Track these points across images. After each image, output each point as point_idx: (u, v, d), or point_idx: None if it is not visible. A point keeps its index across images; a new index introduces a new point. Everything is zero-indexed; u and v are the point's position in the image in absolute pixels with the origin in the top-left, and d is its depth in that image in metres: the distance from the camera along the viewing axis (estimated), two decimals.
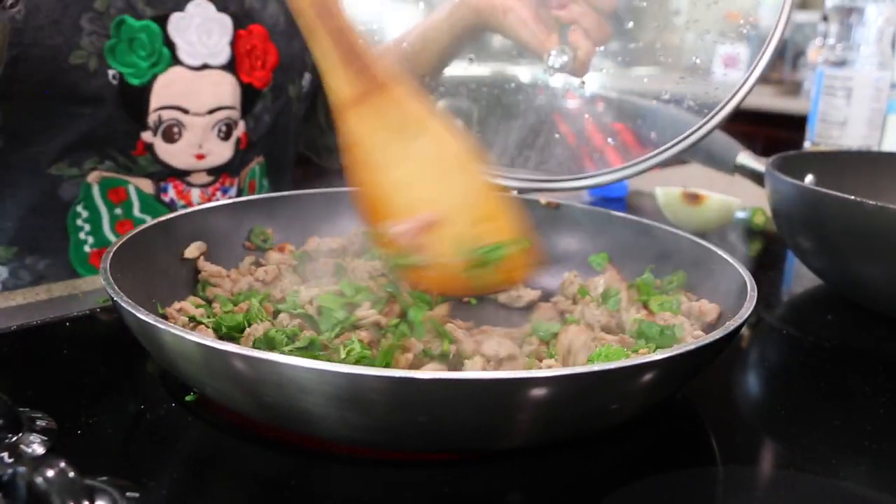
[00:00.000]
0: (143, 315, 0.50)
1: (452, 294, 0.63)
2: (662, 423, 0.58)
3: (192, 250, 0.72)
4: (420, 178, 0.61)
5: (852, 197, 0.74)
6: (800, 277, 0.95)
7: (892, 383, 0.66)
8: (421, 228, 0.58)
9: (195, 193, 1.01)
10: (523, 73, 0.90)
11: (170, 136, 0.96)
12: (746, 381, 0.69)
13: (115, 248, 0.62)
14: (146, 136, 0.95)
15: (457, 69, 0.93)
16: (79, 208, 0.96)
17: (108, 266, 0.57)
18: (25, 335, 0.67)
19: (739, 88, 0.74)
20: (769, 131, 2.94)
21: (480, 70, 0.93)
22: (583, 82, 0.85)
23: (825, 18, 2.78)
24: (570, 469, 0.52)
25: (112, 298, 0.53)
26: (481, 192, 0.62)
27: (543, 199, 0.83)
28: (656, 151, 0.78)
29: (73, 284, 0.82)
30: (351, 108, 0.60)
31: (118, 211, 0.97)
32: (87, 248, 0.97)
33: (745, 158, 1.09)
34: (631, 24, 0.84)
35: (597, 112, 0.86)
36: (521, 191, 0.85)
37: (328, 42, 0.59)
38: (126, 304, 0.51)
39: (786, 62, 3.62)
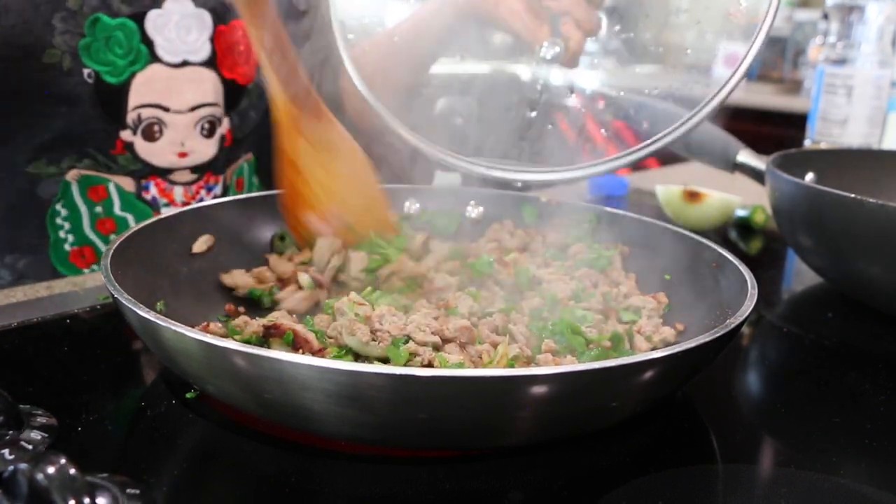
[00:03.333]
0: (143, 312, 0.50)
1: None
2: (663, 421, 0.58)
3: (200, 244, 0.73)
4: (338, 186, 0.79)
5: (853, 195, 0.74)
6: (800, 275, 0.95)
7: (892, 381, 0.66)
8: (329, 217, 0.78)
9: (178, 191, 0.99)
10: (515, 65, 0.90)
11: (150, 135, 0.95)
12: (747, 379, 0.69)
13: (115, 244, 0.62)
14: (125, 134, 0.94)
15: (449, 63, 0.93)
16: (58, 206, 0.95)
17: (108, 263, 0.57)
18: (26, 332, 0.67)
19: (728, 81, 0.74)
20: (770, 129, 2.94)
21: (472, 63, 0.93)
22: (571, 89, 0.85)
23: (826, 17, 2.78)
24: (571, 466, 0.52)
25: (113, 295, 0.53)
26: (375, 192, 0.81)
27: (544, 196, 0.83)
28: (646, 143, 0.78)
29: (73, 282, 0.82)
30: (292, 127, 0.76)
31: (98, 209, 0.96)
32: (67, 247, 0.97)
33: (746, 156, 1.09)
34: (627, 21, 0.84)
35: (590, 104, 0.86)
36: (520, 188, 0.85)
37: (275, 77, 0.74)
38: (126, 302, 0.51)
39: (786, 60, 3.62)
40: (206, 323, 0.62)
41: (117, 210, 0.97)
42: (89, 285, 0.81)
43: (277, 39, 0.74)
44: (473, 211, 0.85)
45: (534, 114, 0.86)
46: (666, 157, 0.80)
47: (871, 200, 0.72)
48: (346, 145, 0.79)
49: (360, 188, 0.80)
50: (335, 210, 0.77)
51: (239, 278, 0.71)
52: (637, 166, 0.83)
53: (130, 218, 0.97)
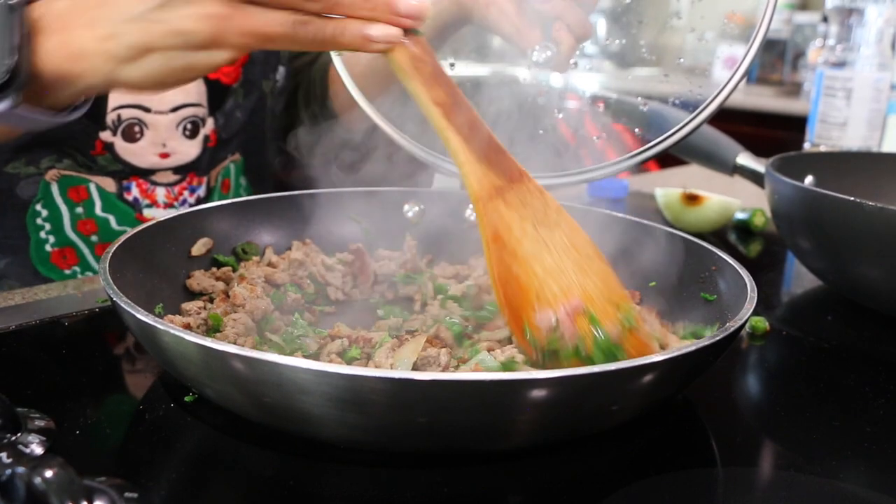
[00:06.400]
0: (141, 315, 0.50)
1: None
2: (662, 424, 0.58)
3: (199, 247, 0.73)
4: (563, 264, 0.61)
5: (852, 198, 0.74)
6: (799, 278, 0.95)
7: (892, 384, 0.66)
8: (573, 313, 0.58)
9: (160, 192, 0.98)
10: (510, 67, 0.89)
11: (131, 136, 0.94)
12: (746, 382, 0.68)
13: (114, 247, 0.61)
14: (105, 135, 0.93)
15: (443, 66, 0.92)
16: (38, 207, 0.94)
17: (107, 266, 0.57)
18: (24, 335, 0.67)
19: (727, 83, 0.74)
20: (769, 132, 2.94)
21: (467, 64, 0.92)
22: (575, 62, 0.84)
23: (825, 19, 2.78)
24: (571, 470, 0.52)
25: (111, 299, 0.53)
26: (609, 275, 0.62)
27: None
28: (645, 147, 0.78)
29: (71, 284, 0.82)
30: (494, 198, 0.61)
31: (79, 210, 0.95)
32: (47, 248, 0.96)
33: (745, 159, 1.09)
34: (625, 24, 0.84)
35: (585, 109, 0.86)
36: None
37: (460, 139, 0.60)
38: (125, 305, 0.51)
39: (786, 63, 3.62)
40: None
41: (98, 211, 0.96)
42: (87, 288, 0.81)
43: (450, 90, 0.60)
44: (473, 214, 0.85)
45: (529, 116, 0.85)
46: (665, 160, 0.80)
47: (870, 203, 0.72)
48: (563, 213, 0.63)
49: (591, 267, 0.61)
50: (575, 299, 0.58)
51: (205, 281, 0.71)
52: (636, 169, 0.83)
53: (112, 219, 0.97)
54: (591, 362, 0.56)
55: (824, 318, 0.83)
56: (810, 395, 0.65)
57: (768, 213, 0.95)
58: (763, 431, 0.60)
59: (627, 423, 0.54)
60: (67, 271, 0.97)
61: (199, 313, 0.65)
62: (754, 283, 0.60)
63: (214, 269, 0.73)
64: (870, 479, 0.54)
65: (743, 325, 0.54)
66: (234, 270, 0.73)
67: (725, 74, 0.75)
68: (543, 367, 0.57)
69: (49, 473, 0.37)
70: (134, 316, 0.50)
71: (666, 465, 0.53)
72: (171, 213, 0.74)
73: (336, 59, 0.87)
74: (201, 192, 1.02)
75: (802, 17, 3.57)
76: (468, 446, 0.51)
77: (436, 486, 0.49)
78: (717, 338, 0.51)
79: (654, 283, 0.73)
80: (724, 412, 0.62)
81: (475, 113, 0.60)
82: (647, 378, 0.48)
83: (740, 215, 1.12)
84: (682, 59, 0.80)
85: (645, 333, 0.60)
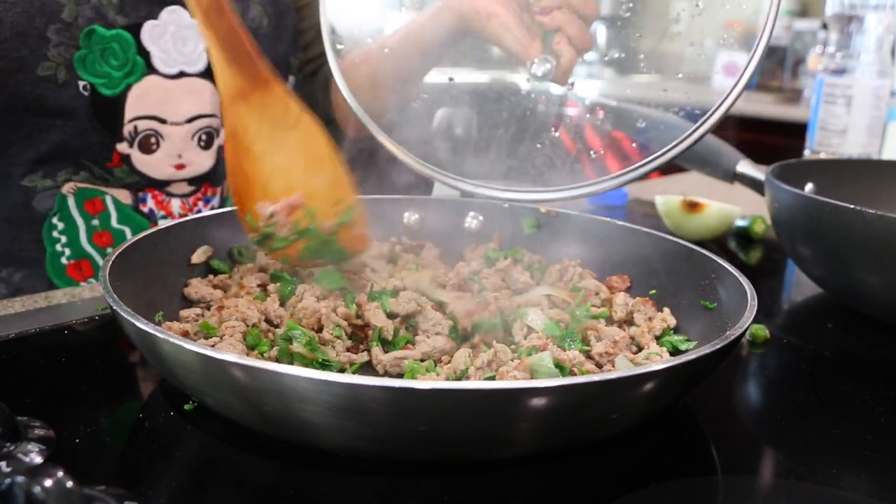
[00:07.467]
0: (141, 324, 0.50)
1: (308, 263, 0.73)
2: (663, 431, 0.58)
3: (199, 255, 0.73)
4: (292, 164, 0.70)
5: (852, 205, 0.74)
6: (800, 285, 0.95)
7: (892, 391, 0.66)
8: (290, 208, 0.69)
9: (175, 204, 0.99)
10: (510, 78, 0.89)
11: (147, 147, 0.94)
12: (746, 389, 0.68)
13: (114, 256, 0.61)
14: (122, 147, 0.93)
15: (438, 77, 0.93)
16: (54, 220, 0.95)
17: (107, 274, 0.57)
18: (24, 343, 0.67)
19: (731, 91, 0.74)
20: (769, 139, 2.94)
21: (467, 73, 0.92)
22: (572, 83, 0.84)
23: (825, 26, 2.78)
24: (571, 478, 0.52)
25: (111, 307, 0.53)
26: (339, 177, 0.72)
27: (542, 207, 0.83)
28: (648, 159, 0.77)
29: (71, 293, 0.82)
30: (237, 99, 0.68)
31: (95, 222, 0.96)
32: (63, 260, 0.96)
33: (745, 166, 1.09)
34: (625, 32, 0.84)
35: (586, 120, 0.86)
36: (513, 202, 0.84)
37: (217, 41, 0.67)
38: (125, 313, 0.51)
39: (786, 70, 3.62)
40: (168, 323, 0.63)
41: (114, 223, 0.97)
42: (87, 296, 0.81)
43: None
44: (473, 222, 0.85)
45: (529, 128, 0.85)
46: (665, 168, 0.79)
47: (870, 211, 0.72)
48: (302, 119, 0.72)
49: (321, 169, 0.72)
50: (293, 195, 0.69)
51: (203, 290, 0.70)
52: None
53: (128, 231, 0.97)
54: (308, 249, 0.69)
55: (824, 325, 0.83)
56: (810, 402, 0.65)
57: (768, 221, 0.95)
58: (763, 439, 0.60)
59: (628, 431, 0.54)
60: (83, 283, 0.97)
61: (196, 320, 0.65)
62: (754, 291, 0.60)
63: (211, 277, 0.73)
64: (870, 486, 0.54)
65: (743, 333, 0.54)
66: (229, 277, 0.73)
67: (726, 82, 0.74)
68: (260, 245, 0.70)
69: (48, 482, 0.37)
70: (133, 324, 0.50)
71: (666, 473, 0.53)
72: (174, 221, 0.74)
73: (335, 68, 0.87)
74: (215, 202, 1.03)
75: (802, 24, 3.58)
76: (468, 454, 0.51)
77: (436, 495, 0.49)
78: (718, 346, 0.51)
79: (654, 291, 0.73)
80: (725, 420, 0.62)
81: (233, 18, 0.67)
82: (648, 386, 0.48)
83: (740, 222, 1.12)
84: (680, 74, 0.80)
85: (360, 229, 0.72)
